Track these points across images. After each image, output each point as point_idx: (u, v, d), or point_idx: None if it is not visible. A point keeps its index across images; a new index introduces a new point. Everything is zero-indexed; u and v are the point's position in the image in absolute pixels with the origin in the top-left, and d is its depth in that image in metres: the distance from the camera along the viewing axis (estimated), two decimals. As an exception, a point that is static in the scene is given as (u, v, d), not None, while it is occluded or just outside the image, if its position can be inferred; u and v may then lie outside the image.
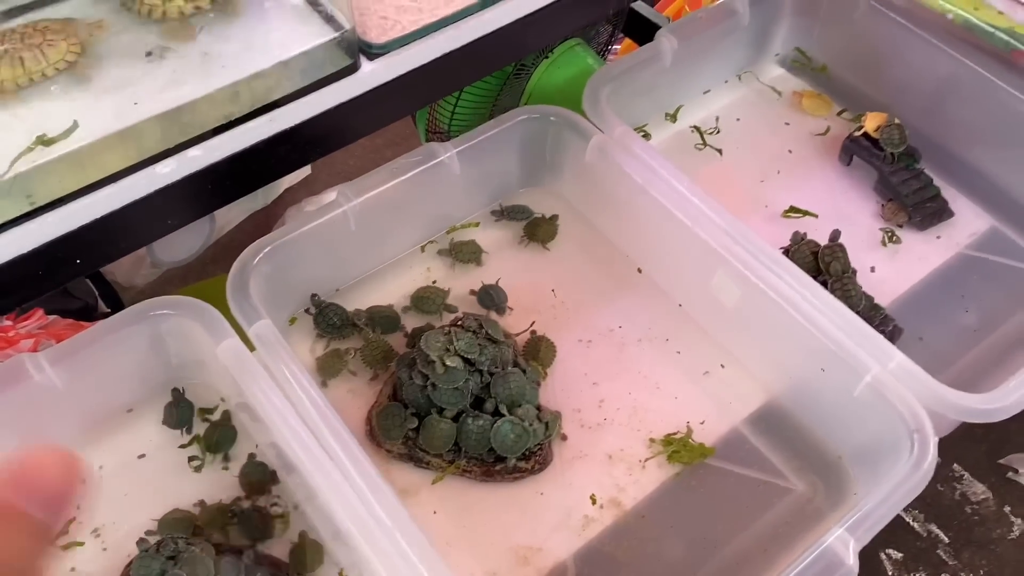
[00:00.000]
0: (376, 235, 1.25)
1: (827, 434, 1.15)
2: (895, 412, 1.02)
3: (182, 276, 1.94)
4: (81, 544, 1.05)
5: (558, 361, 1.23)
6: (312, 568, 1.03)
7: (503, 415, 1.10)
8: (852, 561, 0.91)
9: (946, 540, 1.69)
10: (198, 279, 1.96)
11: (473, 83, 1.58)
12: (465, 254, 1.31)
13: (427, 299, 1.26)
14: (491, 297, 1.27)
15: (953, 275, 1.34)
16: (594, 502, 1.11)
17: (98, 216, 0.94)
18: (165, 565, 0.93)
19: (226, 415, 1.15)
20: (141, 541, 0.96)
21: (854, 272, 1.26)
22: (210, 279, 1.73)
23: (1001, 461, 1.76)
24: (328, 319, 1.22)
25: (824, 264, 1.24)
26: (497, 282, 1.29)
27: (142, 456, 1.12)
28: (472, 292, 1.28)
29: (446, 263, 1.33)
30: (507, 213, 1.36)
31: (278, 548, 1.05)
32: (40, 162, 0.88)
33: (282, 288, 1.19)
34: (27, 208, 0.90)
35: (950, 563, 1.67)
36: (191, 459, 1.12)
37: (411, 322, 1.26)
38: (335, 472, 0.95)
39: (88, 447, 1.12)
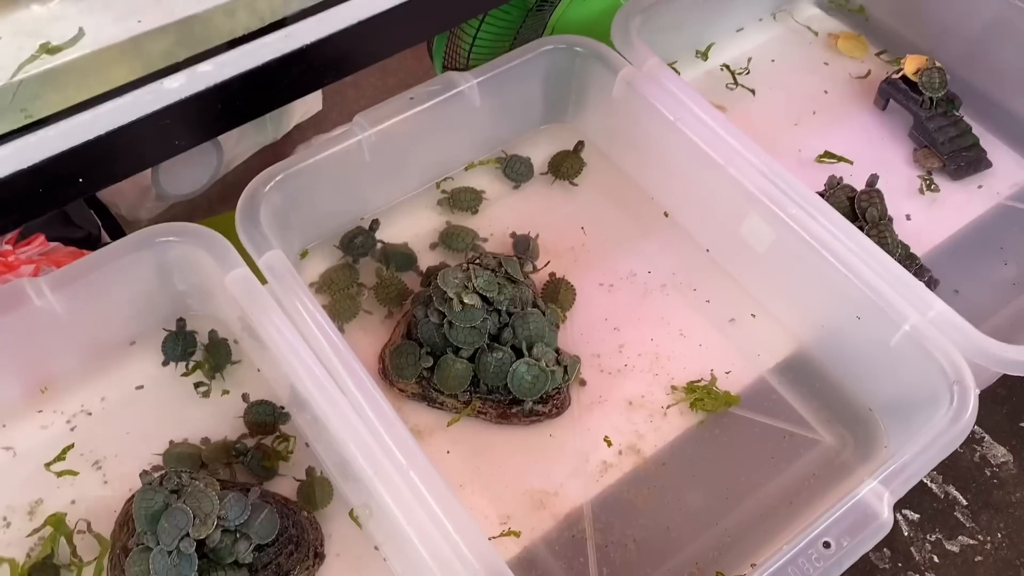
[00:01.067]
0: (391, 168, 1.20)
1: (858, 385, 1.10)
2: (934, 363, 0.97)
3: (188, 213, 1.89)
4: (75, 473, 1.02)
5: (578, 304, 1.18)
6: (322, 504, 1.00)
7: (521, 355, 1.05)
8: (887, 515, 0.87)
9: (964, 502, 1.66)
10: (204, 217, 1.91)
11: (494, 8, 1.50)
12: (462, 202, 1.26)
13: (457, 236, 1.21)
14: (526, 247, 1.20)
15: (992, 226, 1.28)
16: (609, 444, 1.07)
17: (102, 132, 0.89)
18: (168, 498, 0.90)
19: (214, 334, 1.11)
20: (144, 474, 0.92)
21: (891, 219, 1.20)
22: (217, 216, 1.68)
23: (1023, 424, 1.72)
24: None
25: (860, 210, 1.18)
26: (525, 235, 1.22)
27: (140, 387, 1.08)
28: (513, 235, 1.22)
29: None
30: (510, 165, 1.29)
31: (285, 487, 1.02)
32: (44, 70, 0.83)
33: (293, 220, 1.14)
34: (27, 120, 0.85)
35: (967, 525, 1.64)
36: (197, 385, 1.08)
37: (431, 260, 1.21)
38: (348, 408, 0.91)
39: (90, 378, 1.08)
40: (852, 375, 1.10)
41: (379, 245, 1.21)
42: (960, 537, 1.63)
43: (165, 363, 1.09)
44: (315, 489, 1.00)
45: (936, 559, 1.60)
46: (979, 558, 1.61)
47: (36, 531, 0.97)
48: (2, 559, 0.95)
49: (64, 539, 0.96)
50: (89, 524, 0.97)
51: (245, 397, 1.06)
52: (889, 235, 1.17)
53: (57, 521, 0.97)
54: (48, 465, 1.02)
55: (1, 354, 1.00)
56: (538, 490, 1.04)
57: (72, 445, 1.03)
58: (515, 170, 1.28)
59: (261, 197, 1.05)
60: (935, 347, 0.97)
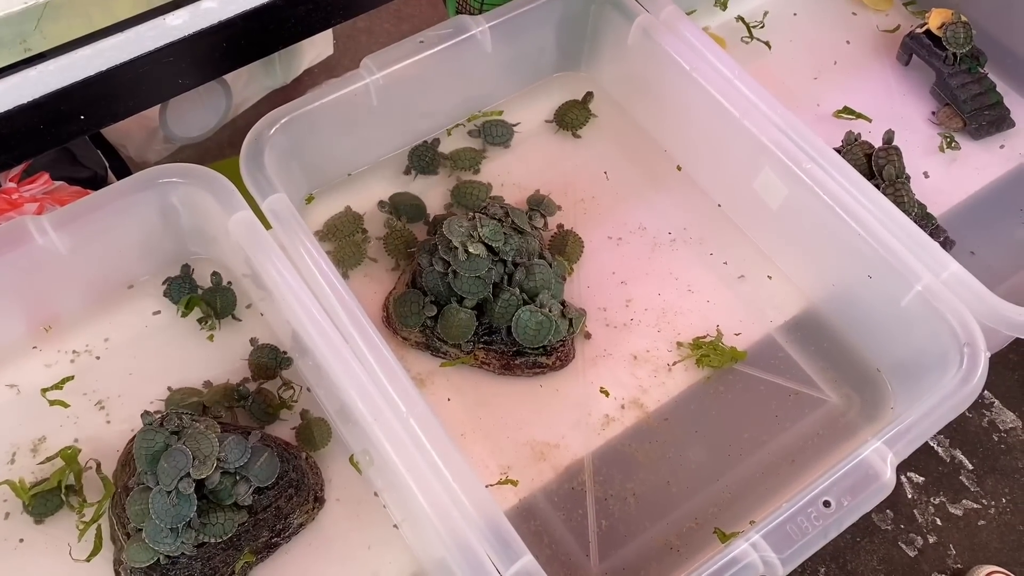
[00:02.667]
0: (399, 113, 1.17)
1: (866, 345, 1.09)
2: (945, 324, 0.95)
3: (197, 157, 1.87)
4: (67, 405, 1.02)
5: (586, 257, 1.17)
6: (321, 444, 1.00)
7: (527, 302, 1.04)
8: (890, 475, 0.86)
9: (970, 466, 1.65)
10: (213, 161, 1.90)
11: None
12: (495, 136, 1.24)
13: (469, 193, 1.19)
14: (539, 203, 1.17)
15: (1013, 188, 1.25)
16: (607, 395, 1.06)
17: (103, 68, 0.87)
18: (169, 439, 0.90)
19: (218, 278, 1.10)
20: (145, 414, 0.92)
21: (908, 178, 1.17)
22: (225, 160, 1.67)
23: (1035, 390, 1.70)
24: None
25: (877, 167, 1.15)
26: (540, 193, 1.19)
27: (144, 329, 1.08)
28: (536, 193, 1.19)
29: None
30: (485, 132, 1.24)
31: (287, 433, 1.02)
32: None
33: (298, 165, 1.13)
34: (27, 54, 0.84)
35: (972, 489, 1.63)
36: (201, 321, 1.08)
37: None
38: (349, 355, 0.90)
39: (94, 318, 1.08)
40: (861, 335, 1.09)
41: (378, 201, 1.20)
42: (964, 501, 1.62)
43: (170, 301, 1.09)
44: (313, 430, 1.00)
45: (939, 522, 1.60)
46: (982, 522, 1.61)
47: (49, 459, 0.97)
48: (8, 481, 0.96)
49: (73, 475, 0.96)
50: (99, 464, 0.97)
51: (253, 341, 1.05)
52: (906, 194, 1.14)
53: (70, 455, 0.97)
54: (45, 391, 1.02)
55: (4, 292, 0.99)
56: (539, 441, 1.03)
57: (72, 377, 1.03)
58: (493, 135, 1.25)
59: (266, 139, 1.04)
60: (947, 308, 0.96)
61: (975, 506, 1.63)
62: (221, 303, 1.07)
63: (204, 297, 1.08)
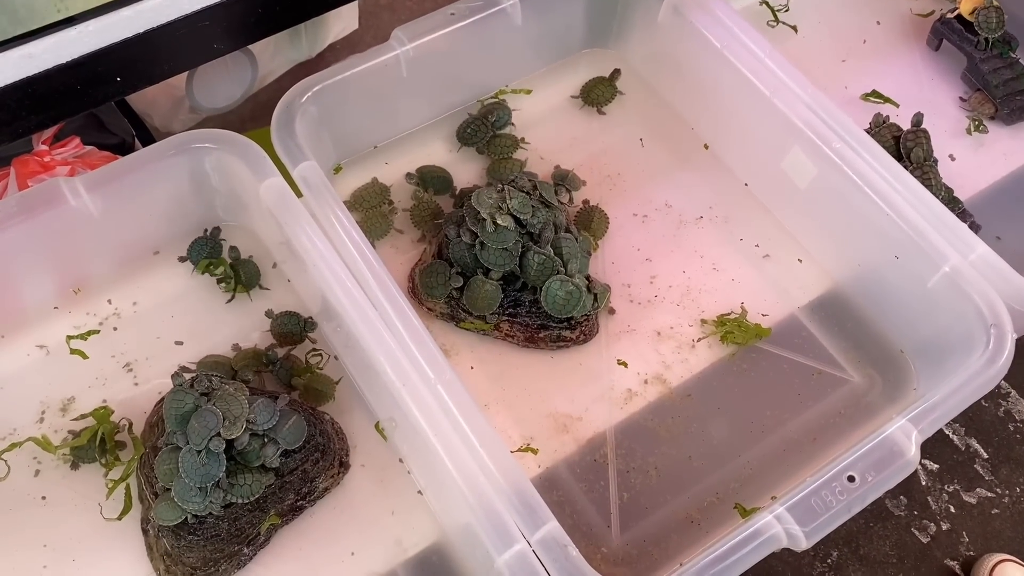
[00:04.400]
0: (428, 85, 1.18)
1: (891, 326, 1.09)
2: (971, 305, 0.96)
3: (220, 128, 1.88)
4: (86, 356, 1.03)
5: (611, 233, 1.17)
6: (329, 397, 1.01)
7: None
8: (914, 452, 0.87)
9: (985, 455, 1.65)
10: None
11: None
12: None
13: (505, 169, 1.19)
14: (564, 177, 1.17)
15: (1041, 174, 1.25)
16: (625, 367, 1.07)
17: (141, 30, 0.88)
18: (199, 400, 0.91)
19: (236, 252, 1.10)
20: (176, 375, 0.93)
21: (935, 161, 1.17)
22: (249, 132, 1.67)
23: (1052, 381, 1.70)
24: None
25: (906, 150, 1.15)
26: (565, 168, 1.19)
27: (175, 293, 1.09)
28: (557, 168, 1.20)
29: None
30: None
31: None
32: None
33: (327, 134, 1.13)
34: (60, 16, 0.84)
35: (986, 478, 1.63)
36: (220, 281, 1.08)
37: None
38: (378, 322, 0.91)
39: (123, 282, 1.08)
40: (885, 316, 1.09)
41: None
42: (978, 489, 1.63)
43: (190, 262, 1.10)
44: (317, 386, 1.01)
45: (952, 509, 1.60)
46: (996, 511, 1.61)
47: (82, 416, 0.99)
48: (33, 438, 0.97)
49: (105, 434, 0.97)
50: (131, 424, 0.98)
51: (269, 313, 1.06)
52: (933, 177, 1.14)
53: (103, 415, 0.98)
54: (70, 338, 1.04)
55: (36, 252, 1.00)
56: (562, 414, 1.04)
57: (97, 331, 1.05)
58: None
59: (297, 107, 1.04)
60: (974, 289, 0.96)
61: (989, 495, 1.63)
62: (246, 275, 1.08)
63: (232, 272, 1.08)
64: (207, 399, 0.91)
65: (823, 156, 1.05)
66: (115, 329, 1.06)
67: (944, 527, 1.59)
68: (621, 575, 0.95)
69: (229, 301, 1.08)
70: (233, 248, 1.10)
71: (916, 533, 1.58)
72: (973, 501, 1.62)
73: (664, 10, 1.17)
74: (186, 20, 0.90)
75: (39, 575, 0.92)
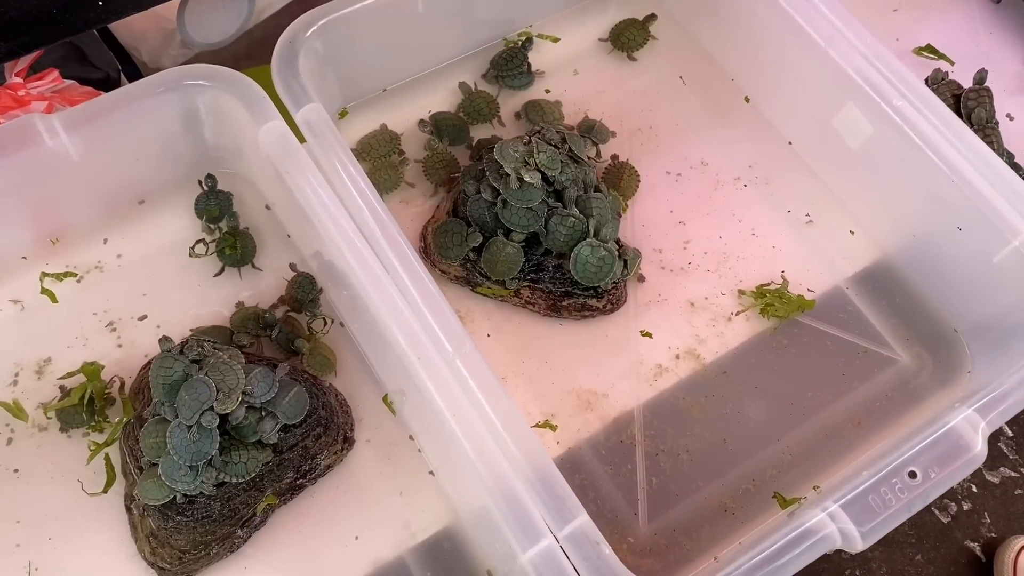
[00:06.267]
0: (446, 21, 1.07)
1: (945, 303, 1.00)
2: (1045, 285, 0.87)
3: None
4: (55, 300, 0.95)
5: (641, 193, 1.07)
6: (333, 366, 0.93)
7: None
8: (981, 446, 0.79)
9: (1010, 434, 1.59)
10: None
11: None
12: (513, 81, 1.12)
13: (543, 109, 1.09)
14: (590, 129, 1.07)
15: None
16: (650, 337, 0.98)
17: (126, -55, 0.77)
18: (189, 368, 0.82)
19: (234, 223, 1.00)
20: (164, 340, 0.84)
21: (997, 123, 1.08)
22: (246, 70, 1.55)
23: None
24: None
25: (967, 110, 1.06)
26: (591, 119, 1.09)
27: (163, 246, 0.99)
28: (586, 118, 1.09)
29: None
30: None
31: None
32: None
33: (333, 74, 1.03)
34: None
35: (1011, 457, 1.56)
36: (195, 242, 0.99)
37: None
38: (391, 287, 0.82)
39: (104, 232, 0.99)
40: (940, 291, 1.00)
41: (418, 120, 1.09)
42: (1002, 468, 1.57)
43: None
44: (322, 354, 0.92)
45: (975, 488, 1.54)
46: (1019, 491, 1.55)
47: (70, 375, 0.90)
48: (3, 403, 0.88)
49: (94, 394, 0.88)
50: (123, 382, 0.89)
51: (293, 266, 0.96)
52: (996, 140, 1.05)
53: (93, 371, 0.89)
54: (44, 275, 0.95)
55: (8, 197, 0.90)
56: (586, 390, 0.96)
57: (75, 274, 0.96)
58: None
59: (301, 43, 0.93)
60: (1049, 267, 0.87)
61: (1012, 475, 1.57)
62: (241, 250, 0.98)
63: (226, 239, 0.98)
64: (198, 367, 0.82)
65: (882, 114, 0.95)
66: (97, 284, 0.96)
67: (966, 507, 1.53)
68: (649, 567, 0.87)
69: (217, 275, 0.98)
70: (232, 215, 1.00)
71: (936, 512, 1.52)
72: (996, 481, 1.56)
73: (709, -54, 1.06)
74: (178, -64, 0.78)
75: (12, 554, 0.83)
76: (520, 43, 1.12)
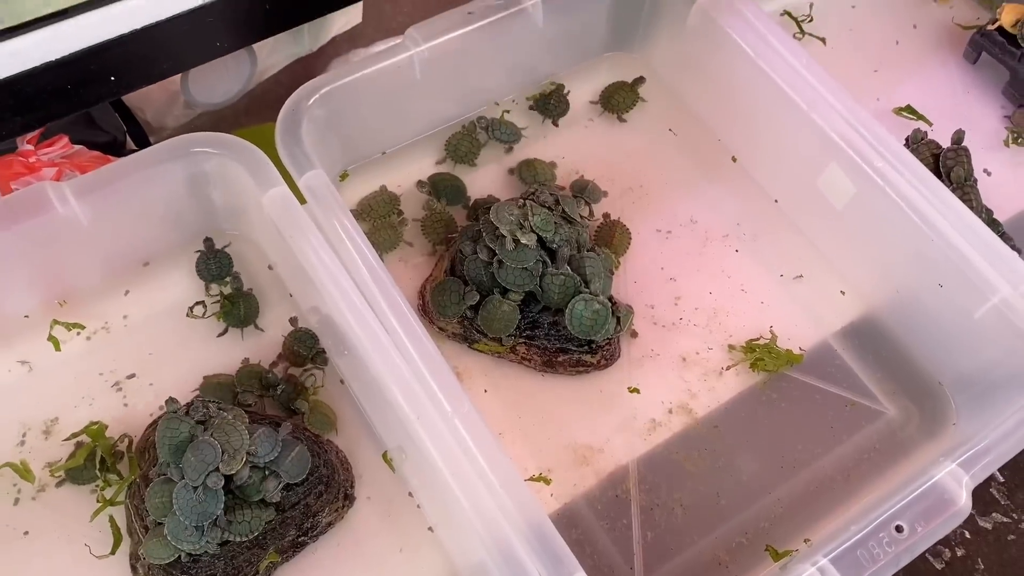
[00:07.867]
0: (442, 88, 1.11)
1: (930, 357, 1.03)
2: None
3: (214, 124, 1.80)
4: (59, 347, 0.98)
5: (633, 251, 1.10)
6: (334, 425, 0.95)
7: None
8: (965, 501, 0.81)
9: (1001, 479, 1.60)
10: (231, 129, 1.82)
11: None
12: (501, 134, 1.16)
13: (537, 169, 1.12)
14: (582, 190, 1.11)
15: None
16: (637, 393, 1.00)
17: (140, 25, 0.81)
18: (194, 429, 0.84)
19: (238, 283, 1.03)
20: (170, 401, 0.86)
21: (975, 181, 1.11)
22: (246, 128, 1.59)
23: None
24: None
25: (946, 168, 1.09)
26: (582, 176, 1.13)
27: (168, 307, 1.01)
28: (580, 178, 1.13)
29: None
30: (492, 129, 1.16)
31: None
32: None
33: (334, 139, 1.06)
34: (50, 9, 0.77)
35: (1002, 503, 1.58)
36: (194, 303, 1.02)
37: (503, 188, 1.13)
38: (390, 346, 0.84)
39: (112, 295, 1.01)
40: (925, 346, 1.03)
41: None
42: (994, 514, 1.58)
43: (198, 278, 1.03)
44: (324, 412, 0.94)
45: (967, 535, 1.55)
46: (1012, 537, 1.56)
47: (73, 436, 0.92)
48: (11, 464, 0.90)
49: (102, 451, 0.90)
50: (131, 440, 0.91)
51: (293, 321, 0.99)
52: (974, 198, 1.08)
53: (98, 431, 0.91)
54: (55, 323, 0.98)
55: (19, 262, 0.93)
56: (582, 445, 0.98)
57: (83, 326, 0.99)
58: (499, 133, 1.16)
59: (304, 111, 0.97)
60: (1027, 324, 0.90)
61: (1005, 520, 1.58)
62: (245, 311, 1.00)
63: (227, 302, 1.01)
64: (203, 428, 0.84)
65: (864, 175, 0.99)
66: (103, 344, 0.99)
67: (959, 553, 1.54)
68: (645, 622, 0.89)
69: (220, 335, 1.00)
70: (235, 277, 1.03)
71: (930, 559, 1.53)
72: (989, 527, 1.57)
73: (694, 14, 1.10)
74: (190, 15, 0.82)
75: (18, 615, 0.85)
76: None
